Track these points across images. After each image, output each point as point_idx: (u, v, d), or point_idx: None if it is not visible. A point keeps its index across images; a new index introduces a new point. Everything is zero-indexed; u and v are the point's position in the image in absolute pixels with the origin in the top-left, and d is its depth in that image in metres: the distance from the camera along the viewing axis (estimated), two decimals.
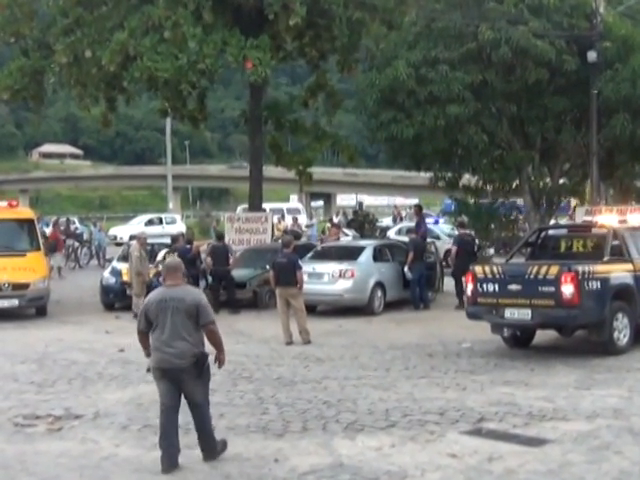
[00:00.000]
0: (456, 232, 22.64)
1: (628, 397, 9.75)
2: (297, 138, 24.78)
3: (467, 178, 23.73)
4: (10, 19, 21.30)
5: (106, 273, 20.59)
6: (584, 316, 12.10)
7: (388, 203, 65.11)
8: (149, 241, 20.29)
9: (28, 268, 18.67)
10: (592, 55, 19.78)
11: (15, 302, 18.18)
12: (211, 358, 7.58)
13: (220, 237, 20.51)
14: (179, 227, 40.05)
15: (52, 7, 22.08)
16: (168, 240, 20.17)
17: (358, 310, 18.02)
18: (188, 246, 17.93)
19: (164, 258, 17.66)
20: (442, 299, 19.85)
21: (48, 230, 32.47)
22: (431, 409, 9.29)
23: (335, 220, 38.03)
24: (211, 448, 7.63)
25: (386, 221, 43.69)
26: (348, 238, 28.15)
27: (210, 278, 19.10)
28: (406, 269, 18.74)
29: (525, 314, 12.22)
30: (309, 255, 18.99)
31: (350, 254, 19.04)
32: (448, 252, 24.98)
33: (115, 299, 19.83)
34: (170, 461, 7.42)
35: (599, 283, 12.16)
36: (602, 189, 22.52)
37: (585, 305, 11.97)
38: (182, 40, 19.49)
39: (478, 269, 12.92)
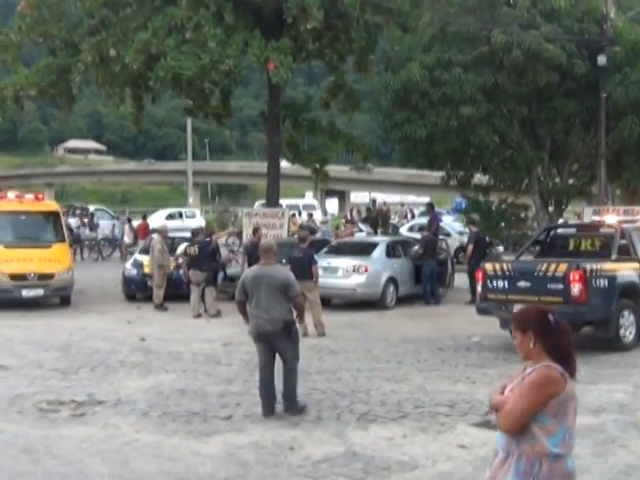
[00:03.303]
0: (466, 229, 22.94)
1: (634, 392, 9.86)
2: (313, 137, 24.77)
3: (478, 177, 24.04)
4: (39, 20, 21.50)
5: (128, 265, 20.85)
6: (591, 313, 12.21)
7: (400, 200, 64.71)
8: (169, 235, 20.49)
9: (53, 259, 18.98)
10: (602, 59, 20.05)
11: (40, 292, 18.47)
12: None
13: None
14: (198, 221, 40.42)
15: (79, 8, 22.29)
16: (188, 234, 20.42)
17: (371, 304, 18.18)
18: (208, 239, 18.27)
19: (185, 251, 18.03)
20: (453, 295, 20.08)
21: (73, 221, 33.57)
22: (441, 401, 9.42)
23: (349, 217, 38.45)
24: (292, 398, 8.74)
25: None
26: (362, 234, 28.53)
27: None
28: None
29: None
30: (324, 250, 19.19)
31: (364, 250, 19.28)
32: (459, 249, 25.56)
33: (136, 290, 20.09)
34: (269, 408, 8.73)
35: (606, 281, 12.30)
36: (609, 190, 22.68)
37: (592, 302, 12.08)
38: (204, 40, 19.65)
39: (489, 266, 13.05)
